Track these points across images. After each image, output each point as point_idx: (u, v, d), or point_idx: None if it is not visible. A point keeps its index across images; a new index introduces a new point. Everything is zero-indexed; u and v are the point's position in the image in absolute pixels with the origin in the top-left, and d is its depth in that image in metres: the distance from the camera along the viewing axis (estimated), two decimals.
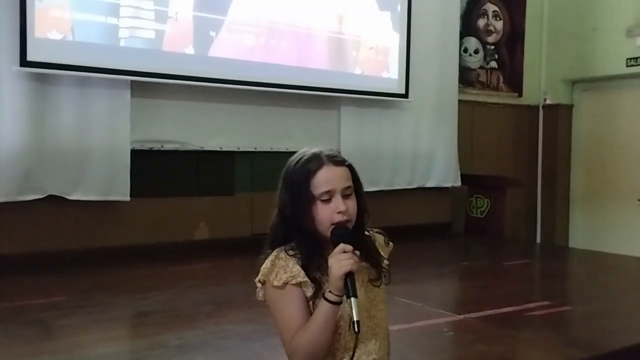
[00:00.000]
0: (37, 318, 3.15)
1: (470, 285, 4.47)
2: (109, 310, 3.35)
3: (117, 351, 2.81)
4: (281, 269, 1.51)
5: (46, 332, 2.98)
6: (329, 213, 1.50)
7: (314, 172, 1.52)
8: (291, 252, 1.53)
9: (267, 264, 1.53)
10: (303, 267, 1.51)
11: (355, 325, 1.40)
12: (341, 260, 1.44)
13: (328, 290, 1.45)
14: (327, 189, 1.51)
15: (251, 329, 2.96)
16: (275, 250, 1.54)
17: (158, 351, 2.70)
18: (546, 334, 3.12)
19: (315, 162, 1.54)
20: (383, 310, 1.62)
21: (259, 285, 1.57)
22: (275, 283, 1.51)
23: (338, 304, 1.45)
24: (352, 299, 1.43)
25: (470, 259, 5.53)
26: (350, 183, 1.55)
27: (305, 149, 1.59)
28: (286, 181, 1.57)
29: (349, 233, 1.51)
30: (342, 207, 1.50)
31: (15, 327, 3.02)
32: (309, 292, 1.51)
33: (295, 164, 1.56)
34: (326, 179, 1.52)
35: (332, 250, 1.51)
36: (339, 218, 1.51)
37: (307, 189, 1.51)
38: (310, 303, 1.51)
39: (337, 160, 1.56)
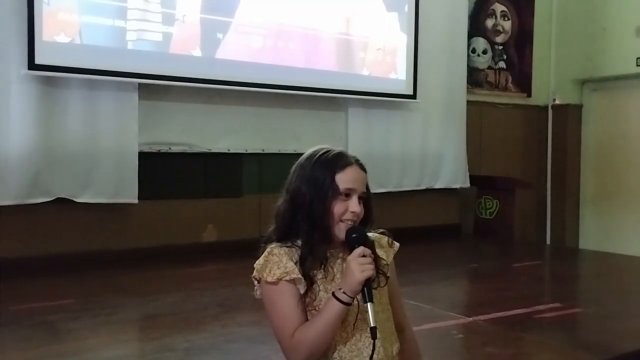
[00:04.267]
0: (46, 321, 3.15)
1: (479, 287, 4.45)
2: (117, 313, 3.35)
3: (125, 354, 2.80)
4: (274, 264, 1.52)
5: (55, 335, 2.98)
6: (343, 209, 1.55)
7: (343, 167, 1.56)
8: (285, 248, 1.54)
9: (260, 260, 1.55)
10: (301, 259, 1.52)
11: (373, 332, 1.45)
12: (363, 264, 1.47)
13: (341, 290, 1.46)
14: (351, 187, 1.55)
15: (259, 331, 2.95)
16: (270, 247, 1.56)
17: (166, 354, 2.70)
18: (556, 336, 3.10)
19: (345, 159, 1.59)
20: (385, 312, 1.62)
21: (256, 283, 1.58)
22: (269, 279, 1.52)
23: (349, 305, 1.47)
24: (369, 304, 1.46)
25: (480, 261, 5.49)
26: (365, 190, 1.60)
27: (326, 146, 1.63)
28: (305, 170, 1.58)
29: (365, 235, 1.55)
30: (357, 209, 1.55)
31: (23, 329, 3.02)
32: (302, 289, 1.52)
33: (320, 155, 1.59)
34: (353, 177, 1.57)
35: (341, 248, 1.56)
36: (349, 217, 1.55)
37: (333, 181, 1.54)
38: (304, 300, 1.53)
39: (361, 165, 1.62)
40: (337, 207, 1.54)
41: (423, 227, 5.89)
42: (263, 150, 5.30)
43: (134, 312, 3.48)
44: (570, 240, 7.15)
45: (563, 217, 7.18)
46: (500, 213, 6.32)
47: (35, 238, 4.33)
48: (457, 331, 3.11)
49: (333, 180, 1.54)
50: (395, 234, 1.71)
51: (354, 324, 1.53)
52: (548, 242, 7.15)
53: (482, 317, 3.28)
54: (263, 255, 1.55)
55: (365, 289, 1.46)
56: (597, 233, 7.10)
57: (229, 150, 5.13)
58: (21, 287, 3.81)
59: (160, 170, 4.85)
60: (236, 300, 3.58)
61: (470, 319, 3.27)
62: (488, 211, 6.42)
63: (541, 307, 3.55)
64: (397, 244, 1.71)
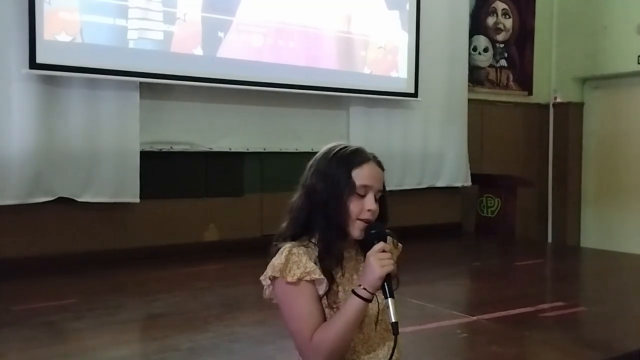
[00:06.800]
0: (49, 321, 3.15)
1: (482, 286, 4.44)
2: (120, 313, 3.34)
3: (128, 354, 2.80)
4: (294, 264, 1.49)
5: (57, 335, 2.97)
6: (359, 207, 1.52)
7: (360, 163, 1.55)
8: (303, 248, 1.51)
9: (280, 259, 1.50)
10: (319, 258, 1.50)
11: (394, 327, 1.44)
12: (383, 259, 1.45)
13: (361, 287, 1.44)
14: (367, 183, 1.53)
15: (262, 331, 2.95)
16: (287, 246, 1.52)
17: (169, 354, 2.69)
18: (560, 335, 3.09)
19: (362, 155, 1.58)
20: None
21: (267, 282, 1.54)
22: (289, 279, 1.48)
23: (370, 301, 1.45)
24: (390, 300, 1.45)
25: (482, 260, 5.49)
26: (382, 187, 1.58)
27: (343, 142, 1.62)
28: (322, 166, 1.56)
29: (385, 233, 1.53)
30: (373, 206, 1.53)
31: (26, 330, 3.01)
32: (322, 290, 1.49)
33: (338, 151, 1.57)
34: (370, 174, 1.55)
35: (354, 248, 1.55)
36: (366, 215, 1.52)
37: (349, 177, 1.52)
38: (323, 300, 1.50)
39: (379, 162, 1.61)
40: (354, 205, 1.51)
41: (424, 226, 5.88)
42: (264, 149, 5.28)
43: (136, 312, 3.46)
44: (571, 238, 7.14)
45: (564, 215, 7.17)
46: (501, 211, 6.32)
47: (37, 238, 4.32)
48: (460, 330, 3.09)
49: (349, 176, 1.52)
50: (396, 232, 1.70)
51: (375, 323, 1.52)
52: (549, 240, 7.14)
53: (485, 316, 3.27)
54: (283, 254, 1.50)
55: (385, 284, 1.44)
56: (598, 231, 7.09)
57: (230, 149, 5.12)
58: (23, 287, 3.80)
59: (161, 170, 4.83)
60: (238, 299, 3.58)
61: (474, 317, 3.26)
62: (489, 209, 6.42)
63: (545, 306, 3.54)
64: (400, 245, 1.70)
